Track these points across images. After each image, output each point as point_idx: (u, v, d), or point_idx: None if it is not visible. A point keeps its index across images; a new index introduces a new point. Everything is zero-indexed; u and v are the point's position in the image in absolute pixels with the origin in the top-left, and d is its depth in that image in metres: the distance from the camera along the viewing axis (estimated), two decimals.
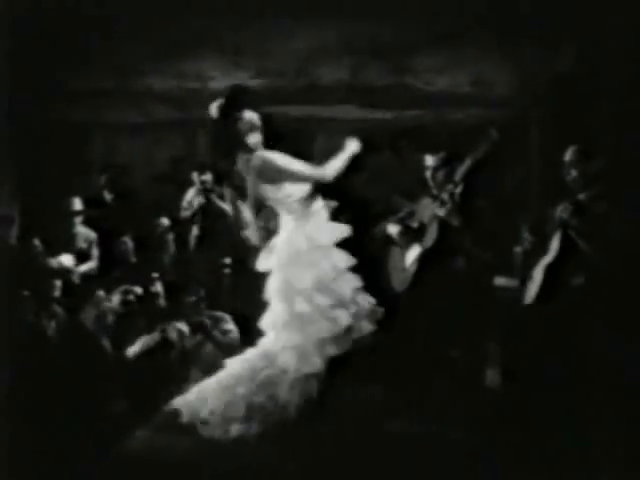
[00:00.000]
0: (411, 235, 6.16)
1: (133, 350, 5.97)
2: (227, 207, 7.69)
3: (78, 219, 7.37)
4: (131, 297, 6.30)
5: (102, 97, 7.80)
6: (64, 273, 6.62)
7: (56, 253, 6.99)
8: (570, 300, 5.44)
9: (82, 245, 7.25)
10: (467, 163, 5.98)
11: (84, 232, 7.36)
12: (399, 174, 7.62)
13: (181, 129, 8.12)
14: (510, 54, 7.54)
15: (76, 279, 6.59)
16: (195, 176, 7.67)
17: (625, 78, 6.71)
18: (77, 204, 7.40)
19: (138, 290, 6.39)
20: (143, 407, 4.98)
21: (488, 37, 7.43)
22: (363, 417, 4.74)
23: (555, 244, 5.52)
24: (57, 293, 6.34)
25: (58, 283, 6.39)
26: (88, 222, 7.41)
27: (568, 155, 5.79)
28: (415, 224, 6.20)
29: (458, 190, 6.03)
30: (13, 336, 5.38)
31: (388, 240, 6.30)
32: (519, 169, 7.61)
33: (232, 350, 5.71)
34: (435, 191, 6.11)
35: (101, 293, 6.24)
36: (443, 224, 6.03)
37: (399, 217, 6.33)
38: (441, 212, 6.00)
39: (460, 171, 6.00)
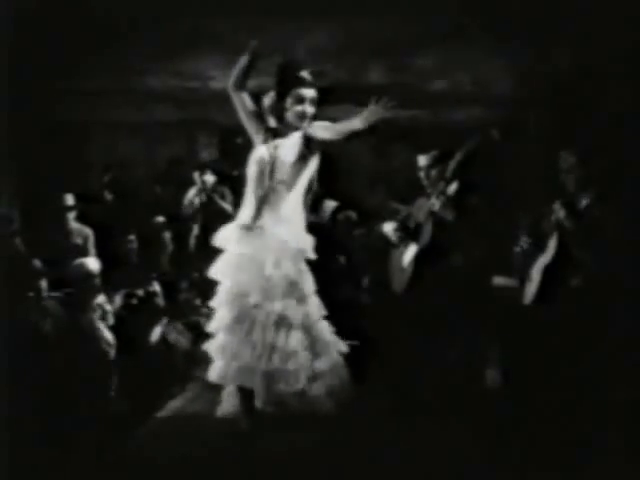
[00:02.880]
0: (407, 233, 6.16)
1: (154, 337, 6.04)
2: (227, 206, 7.71)
3: (71, 215, 7.33)
4: (134, 301, 6.31)
5: (102, 97, 7.81)
6: (87, 277, 6.55)
7: (52, 251, 6.98)
8: (569, 300, 5.45)
9: (77, 241, 7.23)
10: (457, 158, 5.98)
11: (78, 228, 7.33)
12: (396, 175, 7.65)
13: (181, 129, 8.14)
14: (509, 54, 7.56)
15: (98, 282, 6.52)
16: (196, 176, 7.69)
17: (624, 78, 6.72)
18: (69, 200, 7.37)
19: (140, 292, 6.39)
20: (144, 408, 4.99)
21: (488, 37, 7.45)
22: (362, 417, 4.74)
23: (552, 245, 5.52)
24: (58, 293, 6.34)
25: (60, 283, 6.38)
26: (84, 219, 7.39)
27: (563, 160, 5.79)
28: (412, 224, 6.20)
29: (452, 187, 6.04)
30: (13, 336, 5.38)
31: (387, 240, 6.31)
32: (518, 169, 7.63)
33: None
34: (429, 190, 6.12)
35: (102, 294, 6.23)
36: (438, 222, 6.03)
37: (397, 219, 6.34)
38: (435, 207, 6.00)
39: (450, 167, 6.00)
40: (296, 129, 4.70)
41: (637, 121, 6.38)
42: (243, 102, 4.77)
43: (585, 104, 7.10)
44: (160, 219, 7.44)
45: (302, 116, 4.68)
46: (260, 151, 4.72)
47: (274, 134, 4.74)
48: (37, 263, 6.56)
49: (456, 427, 4.61)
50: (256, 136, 4.77)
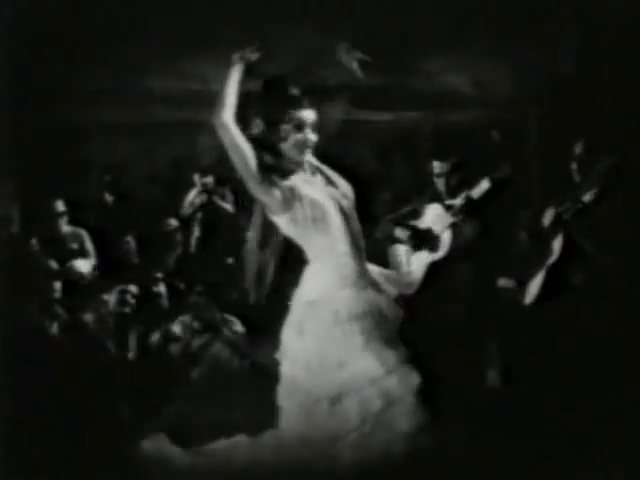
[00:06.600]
0: (421, 241, 6.13)
1: (132, 353, 5.96)
2: (228, 207, 7.71)
3: (63, 220, 7.34)
4: (128, 297, 6.27)
5: (102, 97, 7.80)
6: (79, 279, 6.55)
7: (50, 256, 6.97)
8: (571, 300, 5.46)
9: (73, 246, 7.24)
10: (483, 187, 5.97)
11: (71, 231, 7.33)
12: (398, 177, 7.64)
13: (182, 130, 8.12)
14: (510, 55, 7.55)
15: (98, 283, 6.52)
16: (196, 178, 7.70)
17: (625, 78, 6.72)
18: (60, 206, 7.37)
19: (134, 289, 6.36)
20: (147, 409, 4.99)
21: (488, 38, 7.44)
22: None
23: (557, 245, 5.52)
24: (59, 294, 6.34)
25: (60, 284, 6.39)
26: (79, 221, 7.39)
27: (573, 158, 5.79)
28: (422, 225, 6.18)
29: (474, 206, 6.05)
30: (15, 337, 5.38)
31: (391, 240, 6.30)
32: (519, 169, 7.62)
33: (239, 350, 5.74)
34: (445, 197, 6.10)
35: (103, 294, 6.24)
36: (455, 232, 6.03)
37: (401, 214, 6.32)
38: (457, 220, 5.99)
39: (478, 191, 5.98)
40: (296, 163, 3.87)
41: (637, 121, 6.38)
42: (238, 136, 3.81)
43: (586, 104, 7.10)
44: (165, 222, 7.46)
45: (303, 145, 3.87)
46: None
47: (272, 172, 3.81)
48: (37, 264, 6.57)
49: (456, 427, 4.61)
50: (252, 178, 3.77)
